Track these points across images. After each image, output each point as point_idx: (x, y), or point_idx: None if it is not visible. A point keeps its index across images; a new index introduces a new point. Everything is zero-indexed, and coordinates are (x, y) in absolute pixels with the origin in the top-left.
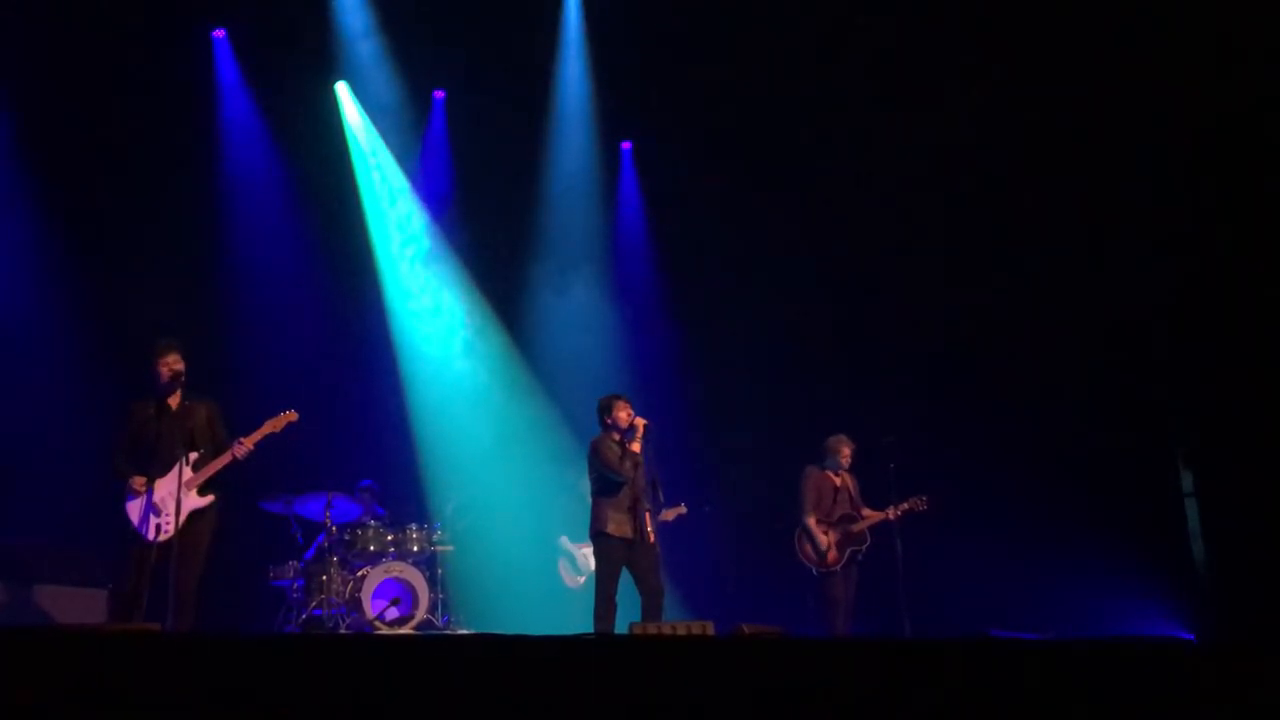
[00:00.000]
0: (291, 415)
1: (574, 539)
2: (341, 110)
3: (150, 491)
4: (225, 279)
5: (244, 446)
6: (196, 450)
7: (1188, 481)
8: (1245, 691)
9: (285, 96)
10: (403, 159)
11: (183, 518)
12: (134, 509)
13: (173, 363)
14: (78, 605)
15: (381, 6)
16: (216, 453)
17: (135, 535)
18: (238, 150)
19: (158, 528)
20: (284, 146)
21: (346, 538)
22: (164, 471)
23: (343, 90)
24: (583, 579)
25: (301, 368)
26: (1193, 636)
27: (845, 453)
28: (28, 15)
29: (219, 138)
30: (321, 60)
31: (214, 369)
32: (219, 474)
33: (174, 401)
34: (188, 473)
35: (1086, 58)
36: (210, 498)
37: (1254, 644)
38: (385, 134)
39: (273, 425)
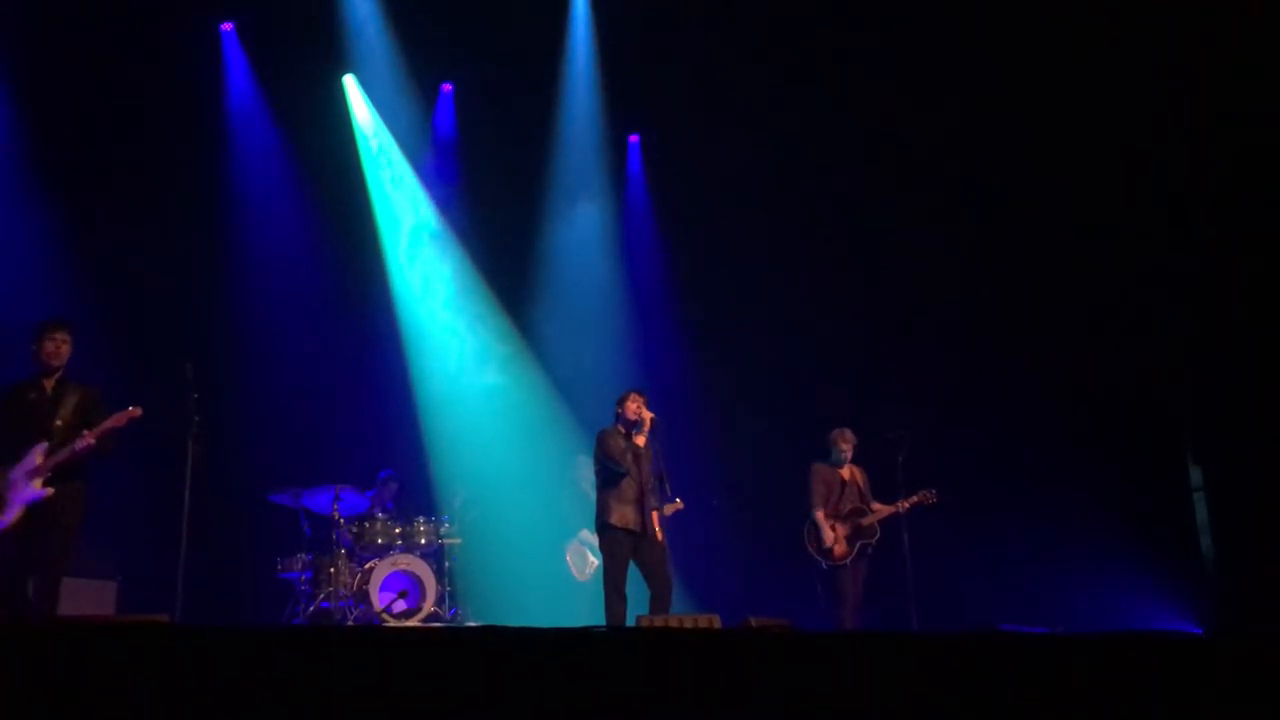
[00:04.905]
0: (136, 411)
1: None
2: (349, 103)
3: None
4: (233, 272)
5: (86, 440)
6: (57, 438)
7: (1196, 477)
8: (1253, 686)
9: (293, 90)
10: (410, 152)
11: (18, 509)
12: None
13: (60, 342)
14: (87, 597)
15: None
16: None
17: None
18: (246, 143)
19: None
20: (292, 139)
21: (354, 530)
22: (18, 459)
23: (350, 83)
24: (590, 571)
25: (308, 360)
26: (1200, 631)
27: (846, 446)
28: (36, 7)
29: (227, 131)
30: (329, 53)
31: (220, 362)
32: (68, 466)
33: (49, 385)
34: (37, 461)
35: (1107, 49)
36: (50, 490)
37: (1261, 638)
38: (393, 127)
39: (116, 420)
